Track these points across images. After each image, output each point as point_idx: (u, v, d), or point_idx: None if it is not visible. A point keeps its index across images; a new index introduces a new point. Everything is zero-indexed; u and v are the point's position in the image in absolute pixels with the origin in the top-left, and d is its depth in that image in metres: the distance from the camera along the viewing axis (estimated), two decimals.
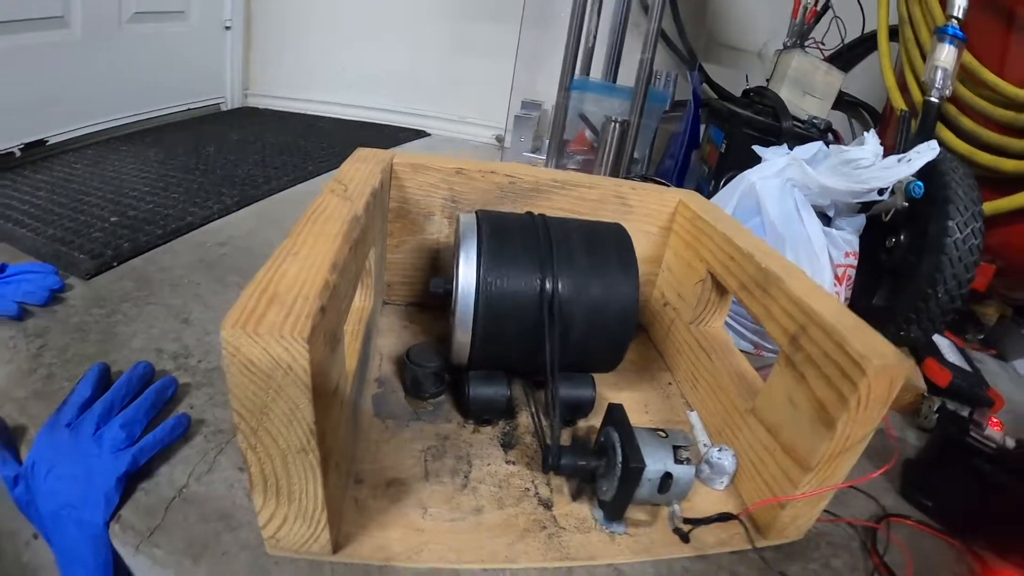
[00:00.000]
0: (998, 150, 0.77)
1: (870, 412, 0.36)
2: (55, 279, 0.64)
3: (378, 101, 1.59)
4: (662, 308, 0.64)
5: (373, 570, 0.37)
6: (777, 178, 0.69)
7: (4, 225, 0.77)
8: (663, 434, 0.41)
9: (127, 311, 0.62)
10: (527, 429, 0.50)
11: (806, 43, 1.09)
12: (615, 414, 0.40)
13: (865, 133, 0.72)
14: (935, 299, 0.66)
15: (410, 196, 0.58)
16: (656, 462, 0.39)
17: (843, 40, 1.11)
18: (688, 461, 0.40)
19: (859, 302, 0.77)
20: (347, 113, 1.60)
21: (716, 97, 1.35)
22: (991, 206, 0.77)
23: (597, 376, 0.52)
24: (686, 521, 0.42)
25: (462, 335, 0.45)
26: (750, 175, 0.70)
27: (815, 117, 1.00)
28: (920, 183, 0.67)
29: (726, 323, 0.63)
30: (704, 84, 1.34)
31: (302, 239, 0.35)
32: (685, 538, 0.41)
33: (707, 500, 0.46)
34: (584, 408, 0.48)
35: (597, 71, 1.17)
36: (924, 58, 0.82)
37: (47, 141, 1.08)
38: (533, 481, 0.45)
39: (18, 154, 1.02)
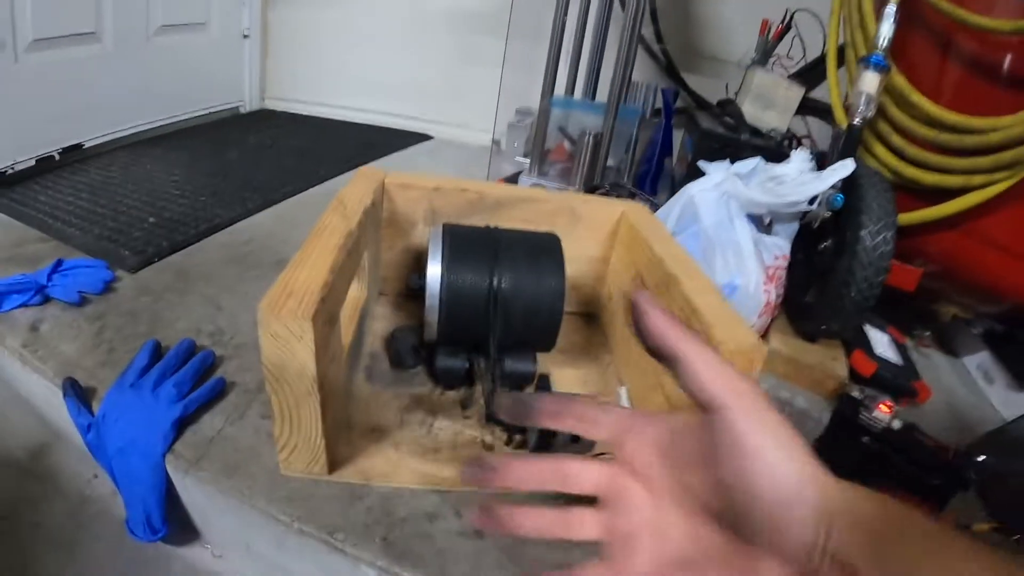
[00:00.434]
0: (921, 164, 0.84)
1: None
2: (108, 272, 0.75)
3: (386, 106, 1.67)
4: (608, 301, 0.75)
5: (356, 486, 0.50)
6: (715, 190, 0.80)
7: (56, 224, 0.88)
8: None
9: (170, 299, 0.74)
10: (482, 394, 0.62)
11: (772, 59, 1.18)
12: (542, 383, 0.53)
13: (793, 152, 0.83)
14: (849, 298, 0.74)
15: (398, 209, 0.70)
16: None
17: (804, 57, 1.21)
18: None
19: (795, 299, 0.85)
20: (357, 117, 1.68)
21: (696, 106, 1.45)
22: (921, 215, 0.85)
23: (550, 357, 0.64)
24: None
25: (431, 318, 0.58)
26: (691, 188, 0.79)
27: (773, 129, 1.11)
28: (841, 196, 0.77)
29: None
30: (684, 93, 1.44)
31: (309, 250, 0.47)
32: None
33: None
34: (527, 377, 0.59)
35: (581, 86, 1.28)
36: None
37: (83, 145, 1.17)
38: (481, 431, 0.58)
39: (57, 157, 1.11)
